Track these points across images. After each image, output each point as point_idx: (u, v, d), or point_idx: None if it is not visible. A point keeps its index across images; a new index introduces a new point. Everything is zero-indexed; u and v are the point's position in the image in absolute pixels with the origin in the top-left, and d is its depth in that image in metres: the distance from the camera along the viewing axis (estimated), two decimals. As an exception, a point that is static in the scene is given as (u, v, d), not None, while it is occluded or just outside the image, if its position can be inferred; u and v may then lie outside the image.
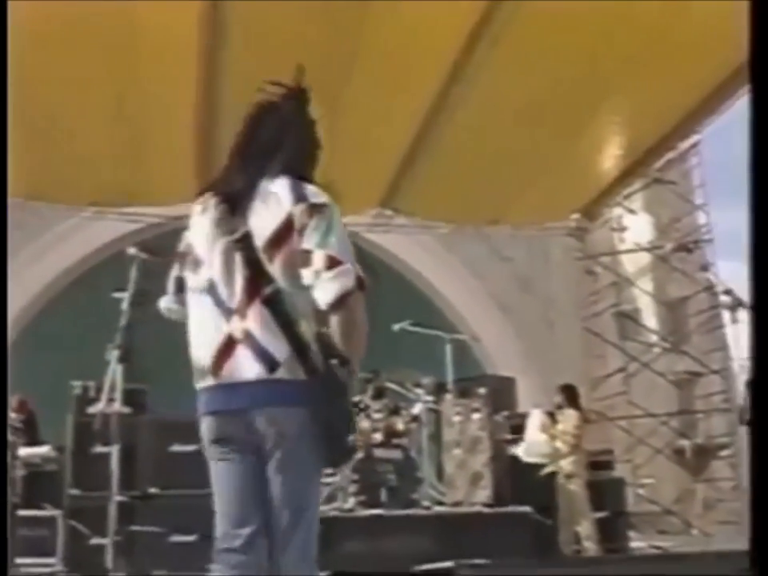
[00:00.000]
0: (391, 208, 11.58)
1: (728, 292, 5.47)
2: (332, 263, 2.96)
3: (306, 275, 2.99)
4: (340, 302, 2.95)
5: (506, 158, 9.84)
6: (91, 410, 8.37)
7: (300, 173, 3.21)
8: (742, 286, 5.54)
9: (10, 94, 8.09)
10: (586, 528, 9.07)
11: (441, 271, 16.02)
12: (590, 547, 8.95)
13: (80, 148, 9.42)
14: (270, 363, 2.99)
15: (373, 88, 8.59)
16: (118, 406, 5.26)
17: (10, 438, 7.06)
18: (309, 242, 3.00)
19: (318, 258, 2.98)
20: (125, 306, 5.31)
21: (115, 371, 5.31)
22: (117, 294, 5.88)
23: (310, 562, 3.08)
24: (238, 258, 3.07)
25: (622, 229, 13.42)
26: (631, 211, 12.99)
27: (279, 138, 3.31)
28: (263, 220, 3.09)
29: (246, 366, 3.01)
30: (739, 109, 9.06)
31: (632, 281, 14.29)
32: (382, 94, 8.70)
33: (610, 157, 10.77)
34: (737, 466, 13.19)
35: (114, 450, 4.95)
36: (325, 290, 2.95)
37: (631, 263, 14.39)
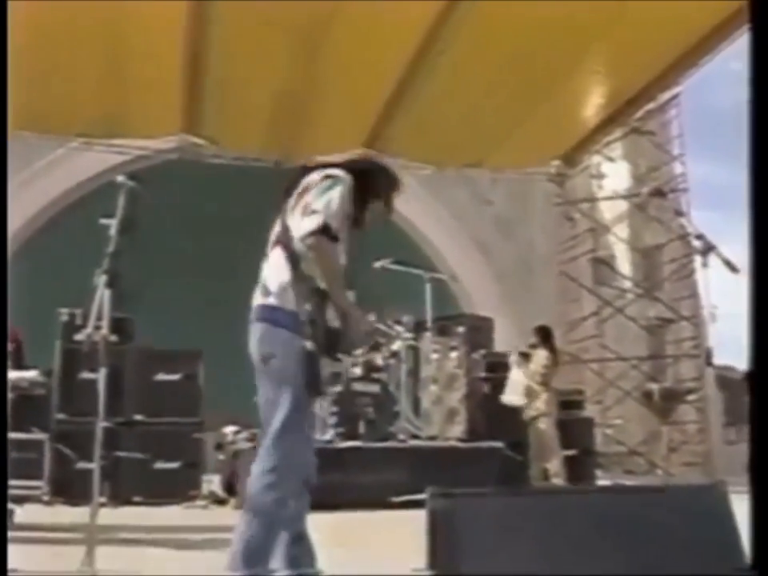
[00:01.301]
0: (375, 148, 11.63)
1: (700, 237, 5.61)
2: (312, 212, 3.69)
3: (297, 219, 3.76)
4: (304, 240, 3.64)
5: (489, 102, 9.87)
6: (78, 336, 8.57)
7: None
8: (716, 235, 5.74)
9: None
10: (555, 465, 9.36)
11: (423, 212, 16.11)
12: (559, 483, 9.23)
13: (66, 79, 9.38)
14: (265, 291, 3.79)
15: (357, 31, 8.60)
16: (105, 331, 5.37)
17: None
18: (310, 196, 3.75)
19: (305, 205, 3.74)
20: (112, 232, 5.39)
21: (103, 296, 5.40)
22: (104, 221, 5.97)
23: (268, 479, 3.68)
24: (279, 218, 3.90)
25: (601, 176, 13.61)
26: (610, 159, 13.15)
27: None
28: (298, 189, 3.88)
29: (257, 296, 3.85)
30: (719, 62, 9.22)
31: (609, 228, 14.49)
32: (367, 37, 8.70)
33: (591, 105, 10.83)
34: (703, 410, 13.54)
35: (101, 375, 5.09)
36: (298, 228, 3.69)
37: (608, 210, 14.59)
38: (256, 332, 3.78)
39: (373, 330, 3.65)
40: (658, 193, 12.72)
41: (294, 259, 3.73)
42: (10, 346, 8.51)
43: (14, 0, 5.03)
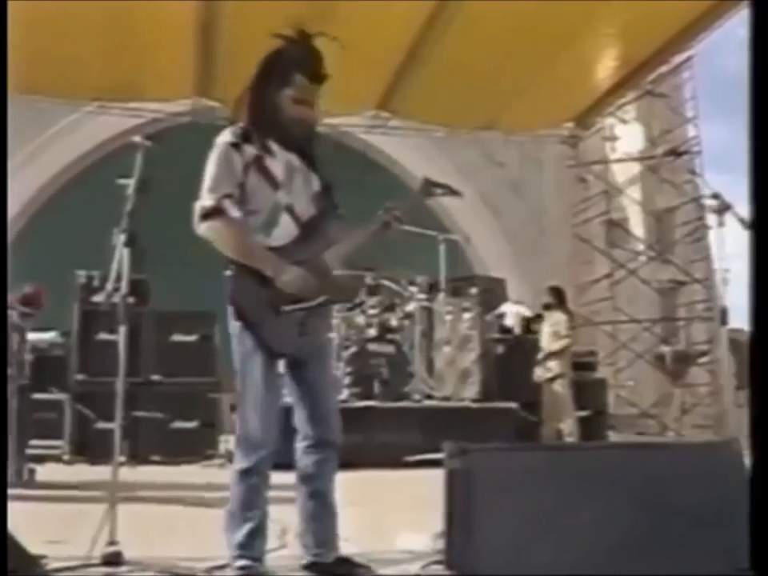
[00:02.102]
0: (388, 110, 11.63)
1: (716, 196, 5.61)
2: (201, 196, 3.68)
3: None
4: (200, 231, 3.62)
5: (502, 64, 9.85)
6: (96, 298, 8.66)
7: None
8: (727, 197, 5.74)
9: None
10: (568, 425, 9.45)
11: (435, 174, 15.98)
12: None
13: (79, 44, 9.40)
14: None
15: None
16: (124, 291, 5.41)
17: (18, 321, 7.29)
18: None
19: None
20: (130, 191, 5.42)
21: (122, 256, 5.44)
22: (121, 181, 6.00)
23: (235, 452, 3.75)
24: None
25: (614, 138, 13.58)
26: (623, 121, 13.12)
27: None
28: None
29: None
30: (732, 25, 9.18)
31: (622, 190, 14.48)
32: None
33: (605, 67, 10.80)
34: (714, 373, 13.59)
35: (121, 335, 5.13)
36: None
37: (621, 173, 14.56)
38: None
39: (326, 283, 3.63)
40: (673, 153, 12.69)
41: None
42: (34, 308, 8.60)
43: (14, 0, 5.02)
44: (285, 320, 3.62)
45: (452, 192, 4.03)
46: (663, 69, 11.09)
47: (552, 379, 9.47)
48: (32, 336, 8.25)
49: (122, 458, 7.06)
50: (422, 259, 9.94)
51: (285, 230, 3.69)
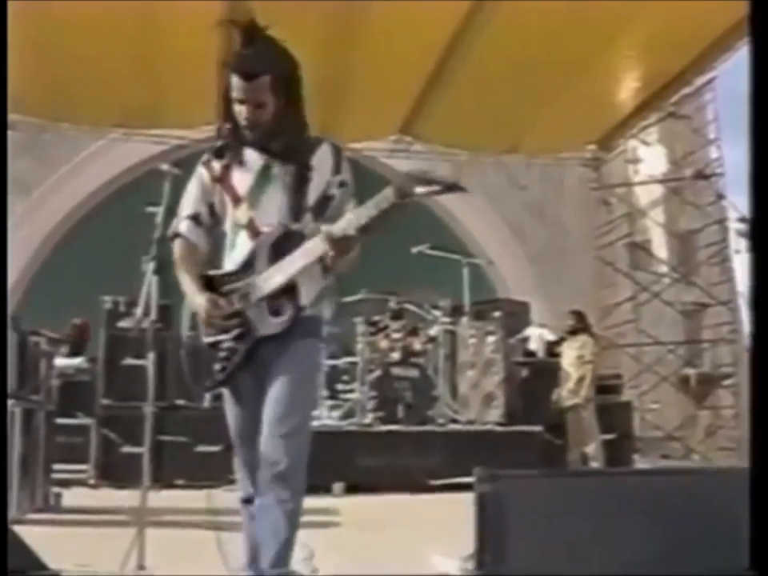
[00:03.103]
0: (411, 135, 11.69)
1: (744, 220, 5.57)
2: None
3: None
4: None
5: (524, 88, 9.91)
6: (122, 323, 8.71)
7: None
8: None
9: (32, 14, 8.29)
10: (593, 449, 9.39)
11: (458, 197, 16.03)
12: (597, 467, 9.27)
13: (104, 71, 9.51)
14: None
15: (392, 19, 8.65)
16: (153, 317, 5.44)
17: (47, 348, 7.33)
18: None
19: None
20: (159, 219, 5.46)
21: (150, 282, 5.48)
22: (150, 209, 6.05)
23: None
24: None
25: (637, 161, 13.57)
26: (646, 143, 13.11)
27: None
28: None
29: None
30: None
31: (645, 212, 14.46)
32: (402, 24, 8.76)
33: (627, 90, 10.84)
34: (739, 395, 13.50)
35: (150, 360, 5.17)
36: None
37: (644, 195, 14.54)
38: None
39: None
40: (701, 176, 12.66)
41: None
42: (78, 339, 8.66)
43: (14, 0, 5.06)
44: (211, 354, 3.33)
45: (447, 188, 3.17)
46: (685, 90, 11.09)
47: (577, 403, 9.43)
48: (59, 362, 8.31)
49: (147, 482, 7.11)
50: (445, 283, 9.94)
51: (239, 251, 3.35)
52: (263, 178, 3.36)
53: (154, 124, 10.99)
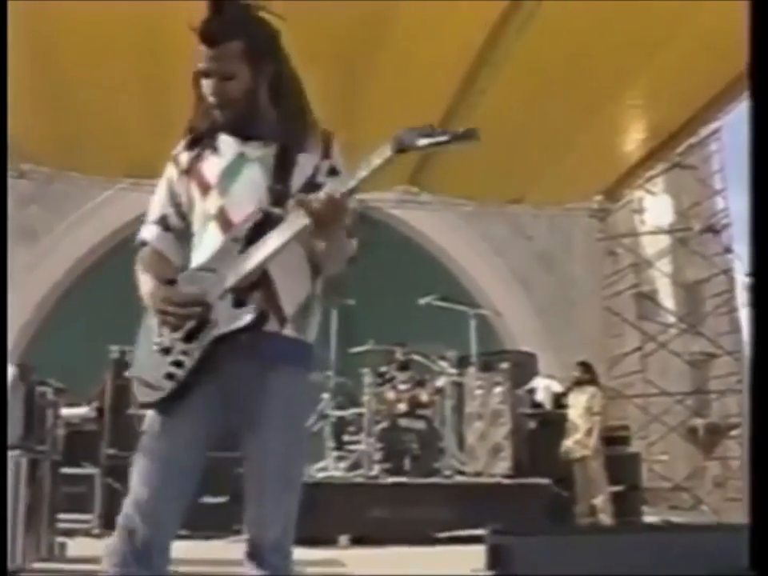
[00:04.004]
0: (417, 185, 11.74)
1: (750, 274, 5.59)
2: None
3: None
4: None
5: (530, 138, 9.96)
6: (128, 373, 8.69)
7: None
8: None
9: (40, 63, 8.37)
10: (601, 501, 9.33)
11: (464, 248, 16.20)
12: (605, 519, 9.20)
13: (112, 120, 9.59)
14: None
15: (399, 67, 8.72)
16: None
17: (53, 397, 7.33)
18: None
19: None
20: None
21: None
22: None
23: None
24: None
25: (643, 211, 13.60)
26: (652, 194, 13.15)
27: None
28: None
29: None
30: (761, 96, 9.21)
31: (651, 262, 14.46)
32: (407, 74, 8.82)
33: (633, 140, 10.89)
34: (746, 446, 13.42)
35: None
36: None
37: (651, 245, 14.55)
38: None
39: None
40: (711, 230, 12.68)
41: None
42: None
43: (14, 0, 5.07)
44: (158, 359, 2.73)
45: (457, 138, 2.66)
46: (691, 141, 11.14)
47: (585, 455, 9.39)
48: (65, 411, 8.30)
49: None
50: (452, 334, 9.95)
51: (207, 245, 2.82)
52: (237, 162, 2.87)
53: (162, 174, 11.04)
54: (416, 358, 9.59)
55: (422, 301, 9.75)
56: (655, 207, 13.58)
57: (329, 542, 7.75)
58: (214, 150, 2.88)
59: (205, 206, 2.83)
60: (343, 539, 8.12)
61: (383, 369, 9.48)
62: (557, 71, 8.72)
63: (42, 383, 6.94)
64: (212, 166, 2.86)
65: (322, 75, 8.67)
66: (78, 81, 8.83)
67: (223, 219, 2.80)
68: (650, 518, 10.40)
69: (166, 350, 2.71)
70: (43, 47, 8.31)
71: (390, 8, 7.90)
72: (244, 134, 2.88)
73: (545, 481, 8.88)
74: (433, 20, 8.00)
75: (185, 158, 2.92)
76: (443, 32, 8.18)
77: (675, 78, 8.91)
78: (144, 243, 2.93)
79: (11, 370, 5.90)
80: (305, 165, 2.86)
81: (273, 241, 2.67)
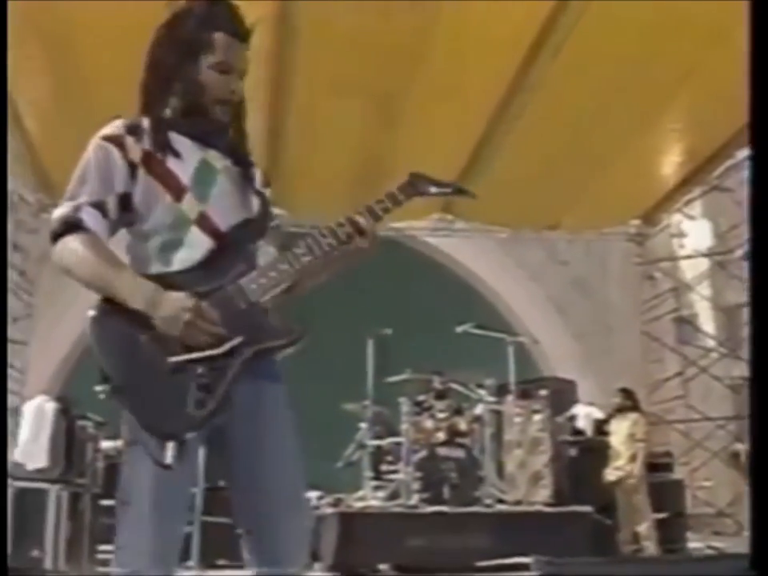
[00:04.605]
0: (452, 213, 11.76)
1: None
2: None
3: None
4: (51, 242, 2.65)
5: (566, 163, 9.96)
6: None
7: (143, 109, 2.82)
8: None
9: (75, 101, 8.46)
10: (645, 528, 9.22)
11: (500, 275, 16.17)
12: (649, 547, 9.09)
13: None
14: None
15: (435, 94, 8.76)
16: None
17: (93, 431, 7.38)
18: None
19: None
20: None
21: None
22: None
23: None
24: None
25: (681, 235, 13.50)
26: (690, 218, 13.06)
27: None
28: None
29: None
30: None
31: (691, 286, 14.33)
32: (444, 101, 8.87)
33: (670, 164, 10.86)
34: (791, 471, 13.22)
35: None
36: None
37: (690, 269, 14.43)
38: None
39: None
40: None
41: None
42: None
43: (14, 0, 5.10)
44: (175, 382, 2.46)
45: (457, 191, 3.06)
46: (729, 163, 11.07)
47: (629, 482, 9.29)
48: (105, 444, 8.34)
49: (191, 563, 7.09)
50: (490, 362, 9.91)
51: (193, 250, 2.65)
52: (205, 170, 2.73)
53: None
54: (454, 386, 9.54)
55: (459, 329, 9.71)
56: (693, 231, 13.47)
57: (370, 570, 7.70)
58: (171, 149, 2.68)
59: (179, 209, 2.65)
60: (385, 568, 8.07)
61: (421, 397, 9.43)
62: (593, 96, 8.73)
63: (82, 417, 6.99)
64: (177, 168, 2.68)
65: (360, 104, 8.82)
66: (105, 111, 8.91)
67: (208, 225, 2.67)
68: (694, 545, 10.28)
69: (179, 371, 2.47)
70: (81, 85, 8.42)
71: (427, 36, 7.95)
72: (208, 140, 2.78)
73: (586, 508, 8.77)
74: (467, 47, 8.06)
75: (133, 146, 2.65)
76: (478, 58, 8.23)
77: (712, 101, 8.88)
78: (81, 227, 2.59)
79: (52, 405, 5.96)
80: (257, 181, 2.88)
81: (303, 257, 2.66)
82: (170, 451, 2.43)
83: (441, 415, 9.21)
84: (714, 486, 13.63)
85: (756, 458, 3.21)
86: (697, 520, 12.14)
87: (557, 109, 9.00)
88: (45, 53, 7.85)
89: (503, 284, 16.38)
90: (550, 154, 9.74)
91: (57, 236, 2.60)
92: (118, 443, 8.47)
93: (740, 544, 11.23)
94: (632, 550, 9.10)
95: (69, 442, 6.33)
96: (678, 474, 11.12)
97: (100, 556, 7.51)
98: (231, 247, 2.67)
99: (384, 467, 9.39)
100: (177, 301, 2.48)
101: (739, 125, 9.69)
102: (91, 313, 2.56)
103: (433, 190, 2.90)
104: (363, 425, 9.45)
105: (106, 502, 8.05)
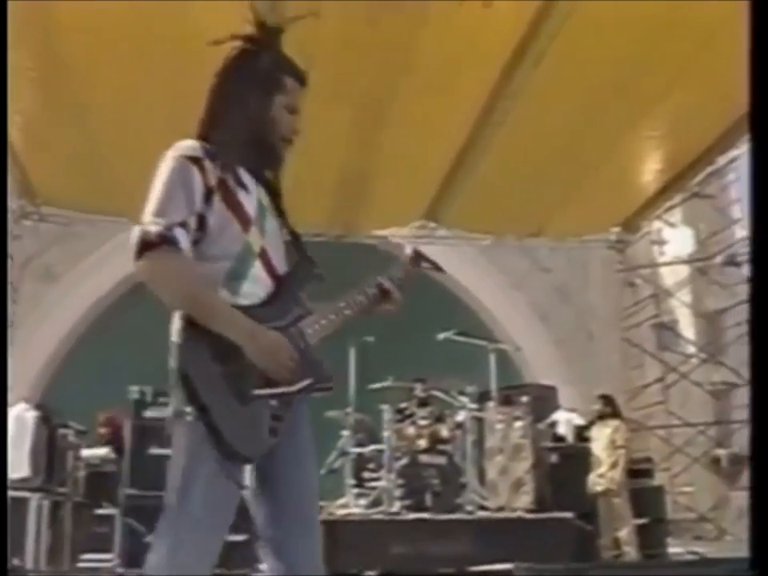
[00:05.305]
0: (434, 220, 11.77)
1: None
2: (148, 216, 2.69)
3: None
4: (137, 270, 2.68)
5: (548, 171, 9.98)
6: (149, 413, 8.72)
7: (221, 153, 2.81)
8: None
9: (68, 110, 8.46)
10: (626, 534, 9.27)
11: (483, 282, 16.21)
12: (630, 552, 9.14)
13: (135, 162, 9.66)
14: None
15: (419, 101, 8.76)
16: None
17: (74, 440, 7.36)
18: None
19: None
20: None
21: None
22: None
23: None
24: None
25: (662, 242, 13.58)
26: (671, 225, 13.14)
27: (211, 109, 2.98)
28: None
29: None
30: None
31: (671, 293, 14.42)
32: (427, 108, 8.87)
33: (651, 171, 10.89)
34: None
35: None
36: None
37: (670, 275, 14.54)
38: None
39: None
40: (732, 262, 12.65)
41: None
42: (105, 430, 8.69)
43: (14, 0, 5.09)
44: (253, 410, 2.61)
45: (437, 269, 3.54)
46: (709, 170, 11.12)
47: (609, 488, 9.33)
48: (86, 453, 8.32)
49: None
50: (471, 369, 9.91)
51: (256, 285, 2.77)
52: (261, 206, 2.85)
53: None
54: (436, 393, 9.53)
55: (441, 336, 9.72)
56: (674, 237, 13.55)
57: (354, 578, 7.71)
58: (239, 180, 2.79)
59: (248, 241, 2.76)
60: (370, 574, 8.07)
61: (403, 405, 9.44)
62: (573, 104, 8.76)
63: (63, 426, 6.98)
64: (244, 199, 2.78)
65: (345, 110, 8.83)
66: (105, 122, 8.90)
67: (267, 262, 2.80)
68: (674, 550, 10.32)
69: (257, 401, 2.63)
70: (69, 92, 8.40)
71: (413, 41, 7.96)
72: (260, 176, 2.90)
73: (567, 515, 8.80)
74: (452, 52, 8.06)
75: (211, 170, 2.73)
76: (462, 64, 8.24)
77: (692, 108, 8.92)
78: (175, 245, 2.63)
79: (32, 413, 5.94)
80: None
81: (349, 308, 2.95)
82: (247, 474, 2.71)
83: (423, 422, 9.22)
84: (695, 491, 13.72)
85: (756, 459, 3.23)
86: (678, 525, 12.21)
87: (539, 116, 9.02)
88: (28, 59, 7.82)
89: (486, 291, 16.45)
90: (532, 161, 9.76)
91: (145, 250, 2.63)
92: (100, 451, 8.46)
93: (721, 549, 11.31)
94: (613, 556, 9.14)
95: (50, 451, 6.30)
96: (659, 479, 11.17)
97: (83, 565, 7.49)
98: (288, 289, 2.82)
99: (366, 474, 9.39)
100: (276, 339, 2.66)
101: (720, 131, 9.77)
102: (176, 339, 2.63)
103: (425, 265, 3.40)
104: (345, 432, 9.44)
105: (87, 511, 8.06)
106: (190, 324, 2.62)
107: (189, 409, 2.56)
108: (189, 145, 2.77)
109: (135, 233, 2.65)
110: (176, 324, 2.65)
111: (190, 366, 2.58)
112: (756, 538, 3.15)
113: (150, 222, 2.64)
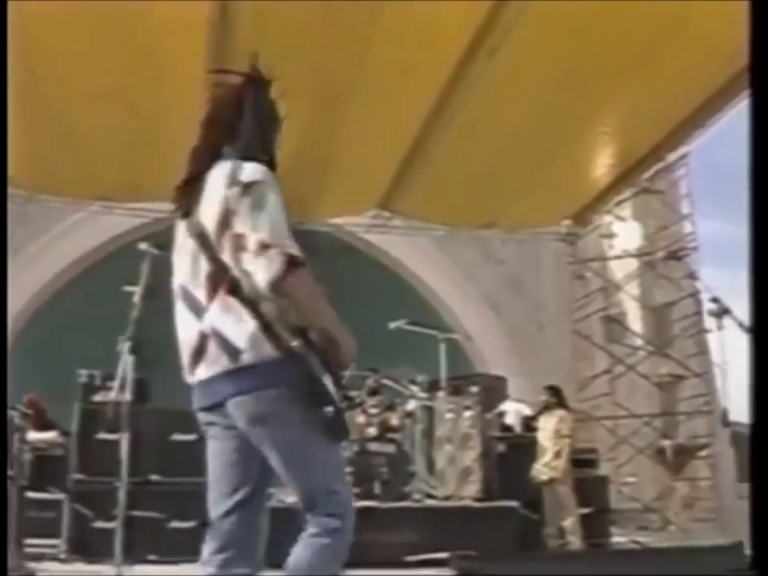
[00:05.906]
0: (389, 210, 11.80)
1: (715, 300, 5.69)
2: (262, 247, 2.90)
3: (245, 260, 2.96)
4: (276, 286, 2.88)
5: (501, 163, 10.05)
6: (97, 397, 8.67)
7: (250, 154, 3.16)
8: (724, 293, 5.85)
9: (19, 88, 8.38)
10: (570, 523, 9.37)
11: (436, 272, 16.28)
12: (574, 542, 9.25)
13: (88, 143, 9.58)
14: (232, 352, 2.97)
15: (374, 92, 8.78)
16: (128, 395, 5.44)
17: (20, 422, 7.31)
18: (241, 225, 2.96)
19: (251, 243, 2.92)
20: (136, 299, 5.48)
21: (126, 362, 5.50)
22: (128, 288, 6.06)
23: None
24: (201, 256, 3.08)
25: (611, 235, 13.71)
26: (620, 219, 13.27)
27: (233, 124, 3.28)
28: (208, 210, 3.07)
29: (214, 360, 3.01)
30: (726, 122, 9.39)
31: (620, 286, 14.56)
32: (383, 99, 8.89)
33: (602, 165, 11.00)
34: (714, 466, 13.54)
35: (124, 438, 5.15)
36: (258, 275, 2.90)
37: (619, 269, 14.66)
38: (242, 406, 3.01)
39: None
40: (673, 257, 12.81)
41: (253, 304, 2.98)
42: (29, 411, 8.61)
43: (14, 0, 5.07)
44: (341, 397, 3.05)
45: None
46: (659, 166, 11.25)
47: (554, 477, 9.43)
48: (32, 436, 8.25)
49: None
50: (422, 358, 9.96)
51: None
52: None
53: (138, 197, 11.00)
54: (386, 382, 9.60)
55: (393, 325, 9.77)
56: (623, 231, 13.69)
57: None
58: None
59: None
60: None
61: (353, 393, 9.48)
62: (527, 98, 8.82)
63: (9, 408, 6.93)
64: None
65: (301, 104, 8.82)
66: (56, 103, 8.83)
67: None
68: (618, 539, 10.46)
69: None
70: (24, 71, 8.31)
71: (368, 36, 7.97)
72: None
73: (514, 504, 8.91)
74: (407, 47, 8.09)
75: None
76: (416, 58, 8.26)
77: (644, 105, 9.03)
78: (305, 264, 2.96)
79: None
80: None
81: None
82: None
83: (373, 411, 9.28)
84: (640, 481, 13.89)
85: (756, 459, 3.28)
86: (622, 515, 12.35)
87: (493, 110, 9.08)
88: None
89: (438, 281, 16.50)
90: (486, 153, 9.82)
91: (294, 269, 2.90)
92: (47, 435, 8.37)
93: (665, 539, 11.48)
94: (558, 545, 9.24)
95: (-3, 433, 6.27)
96: (604, 469, 11.29)
97: (28, 550, 7.45)
98: None
99: (316, 462, 9.40)
100: (353, 345, 3.05)
101: (669, 128, 9.90)
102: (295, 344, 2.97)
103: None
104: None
105: (33, 495, 7.99)
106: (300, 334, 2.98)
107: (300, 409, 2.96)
108: (262, 168, 3.08)
109: (274, 254, 2.89)
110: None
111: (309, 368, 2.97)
112: (756, 538, 3.19)
113: (287, 244, 2.92)
